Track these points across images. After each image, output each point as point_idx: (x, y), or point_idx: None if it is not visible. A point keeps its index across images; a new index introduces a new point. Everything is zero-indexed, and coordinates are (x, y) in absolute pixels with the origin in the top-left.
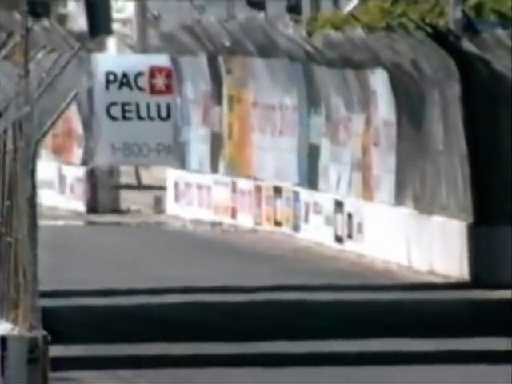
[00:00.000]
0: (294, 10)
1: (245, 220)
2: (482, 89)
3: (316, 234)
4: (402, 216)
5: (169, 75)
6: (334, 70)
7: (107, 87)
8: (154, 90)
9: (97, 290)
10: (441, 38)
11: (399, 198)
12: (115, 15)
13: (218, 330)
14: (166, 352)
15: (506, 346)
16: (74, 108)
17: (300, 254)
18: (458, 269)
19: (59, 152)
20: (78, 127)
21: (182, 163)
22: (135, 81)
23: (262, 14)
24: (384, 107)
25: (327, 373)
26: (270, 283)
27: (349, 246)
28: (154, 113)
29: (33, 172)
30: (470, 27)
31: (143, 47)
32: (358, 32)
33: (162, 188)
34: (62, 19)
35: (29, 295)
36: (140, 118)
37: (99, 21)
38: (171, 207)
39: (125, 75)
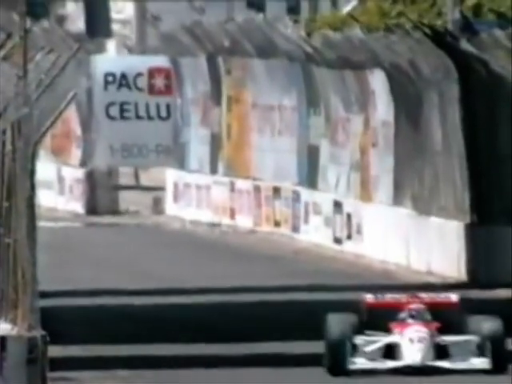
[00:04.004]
0: (293, 10)
1: (244, 221)
2: (480, 89)
3: (315, 234)
4: (401, 216)
5: (168, 76)
6: (332, 70)
7: (106, 88)
8: (153, 91)
9: (96, 291)
10: (439, 38)
11: (397, 199)
12: (114, 16)
13: (217, 331)
14: (165, 352)
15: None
16: (72, 109)
17: (299, 254)
18: (456, 269)
19: (58, 153)
20: (77, 128)
21: (182, 164)
22: (134, 81)
23: (261, 15)
24: (382, 108)
25: (324, 372)
26: (269, 284)
27: (348, 246)
28: (153, 113)
29: (32, 173)
30: (468, 27)
31: (142, 48)
32: (357, 32)
33: (161, 189)
34: (61, 20)
35: (28, 295)
36: (139, 117)
37: (98, 22)
38: (170, 208)
39: (124, 76)
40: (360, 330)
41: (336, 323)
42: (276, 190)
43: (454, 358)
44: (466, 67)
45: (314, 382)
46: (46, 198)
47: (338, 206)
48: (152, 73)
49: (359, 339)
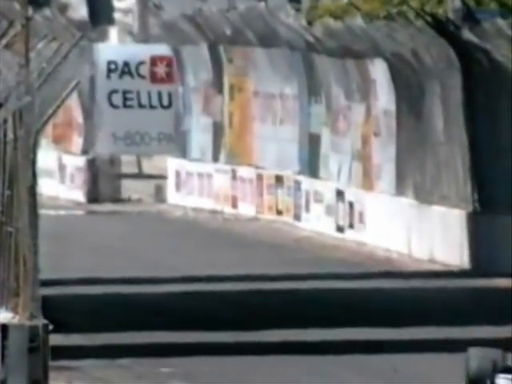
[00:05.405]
0: None
1: (246, 209)
2: (482, 78)
3: (317, 223)
4: (403, 205)
5: (170, 64)
6: (334, 59)
7: (108, 76)
8: (155, 79)
9: (97, 279)
10: (441, 27)
11: (400, 188)
12: (116, 4)
13: (218, 319)
14: (166, 340)
15: (505, 334)
16: (74, 97)
17: (301, 243)
18: (458, 257)
19: (59, 141)
20: (79, 116)
21: (183, 152)
22: (136, 69)
23: (262, 4)
24: (384, 97)
25: (327, 361)
26: (271, 272)
27: (350, 235)
28: (155, 101)
29: (33, 161)
30: (469, 16)
31: (144, 36)
32: (358, 21)
33: (163, 177)
34: (64, 8)
35: (29, 284)
36: (141, 106)
37: (100, 10)
38: (172, 196)
39: (126, 64)
40: (504, 368)
41: (476, 359)
42: (278, 179)
43: None
44: (468, 56)
45: (314, 370)
46: (47, 187)
47: (340, 194)
48: (154, 61)
49: (503, 378)
